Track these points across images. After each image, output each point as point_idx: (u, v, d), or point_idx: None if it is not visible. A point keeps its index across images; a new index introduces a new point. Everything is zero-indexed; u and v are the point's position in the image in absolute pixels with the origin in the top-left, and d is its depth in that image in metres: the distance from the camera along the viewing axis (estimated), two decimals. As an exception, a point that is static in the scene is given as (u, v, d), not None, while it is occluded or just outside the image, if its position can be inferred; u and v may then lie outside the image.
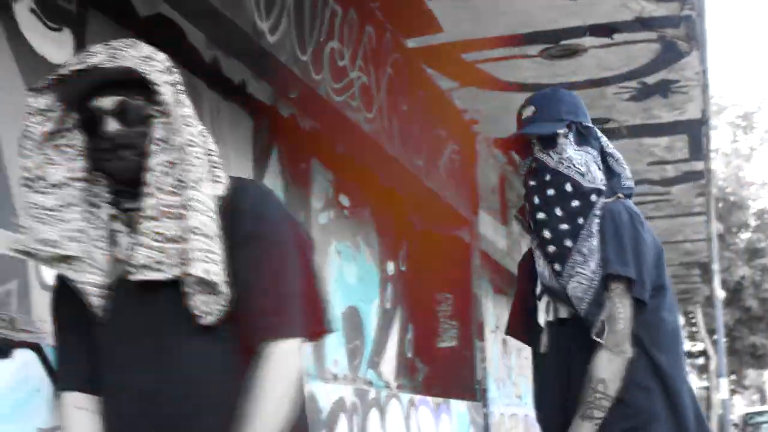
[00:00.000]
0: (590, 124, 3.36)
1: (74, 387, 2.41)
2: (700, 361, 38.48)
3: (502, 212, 9.91)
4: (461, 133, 8.53)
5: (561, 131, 3.27)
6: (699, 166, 10.24)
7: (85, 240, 2.31)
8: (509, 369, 11.65)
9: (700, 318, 33.93)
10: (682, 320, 37.39)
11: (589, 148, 3.33)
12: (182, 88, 2.37)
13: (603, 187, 3.26)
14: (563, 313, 3.27)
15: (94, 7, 4.21)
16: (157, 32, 4.63)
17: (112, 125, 2.27)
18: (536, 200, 3.28)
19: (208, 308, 2.22)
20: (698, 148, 9.59)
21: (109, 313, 2.32)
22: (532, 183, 3.30)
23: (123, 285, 2.29)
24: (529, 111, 3.30)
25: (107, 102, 2.27)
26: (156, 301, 2.27)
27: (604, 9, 6.40)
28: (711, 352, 34.08)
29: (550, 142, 3.29)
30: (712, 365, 34.54)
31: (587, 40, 6.90)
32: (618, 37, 6.83)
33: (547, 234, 3.25)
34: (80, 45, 4.08)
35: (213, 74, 5.18)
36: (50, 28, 3.92)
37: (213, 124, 5.16)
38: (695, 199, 11.61)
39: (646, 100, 8.17)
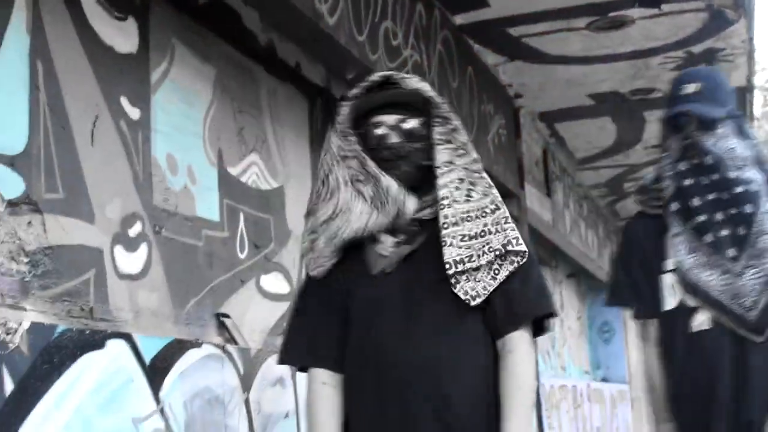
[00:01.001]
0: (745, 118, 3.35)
1: (323, 365, 2.84)
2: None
3: (546, 184, 9.89)
4: (506, 107, 8.51)
5: (724, 114, 3.23)
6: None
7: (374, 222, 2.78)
8: (553, 340, 11.66)
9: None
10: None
11: (749, 142, 3.30)
12: (455, 116, 2.86)
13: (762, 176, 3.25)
14: (702, 322, 3.28)
15: (156, -6, 4.22)
16: (215, 18, 4.65)
17: (394, 138, 2.75)
18: (703, 181, 3.26)
19: (474, 292, 2.67)
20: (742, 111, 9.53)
21: (368, 299, 2.78)
22: (695, 161, 3.27)
23: (383, 275, 2.77)
24: (692, 87, 3.25)
25: (392, 119, 2.77)
26: (416, 292, 2.72)
27: (654, -21, 6.37)
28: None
29: (710, 124, 3.25)
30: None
31: (635, 12, 6.86)
32: (666, 7, 6.79)
33: (719, 217, 3.23)
34: (144, 34, 4.10)
35: (268, 58, 5.19)
36: (116, 18, 3.93)
37: (270, 107, 5.17)
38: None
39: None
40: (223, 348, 3.90)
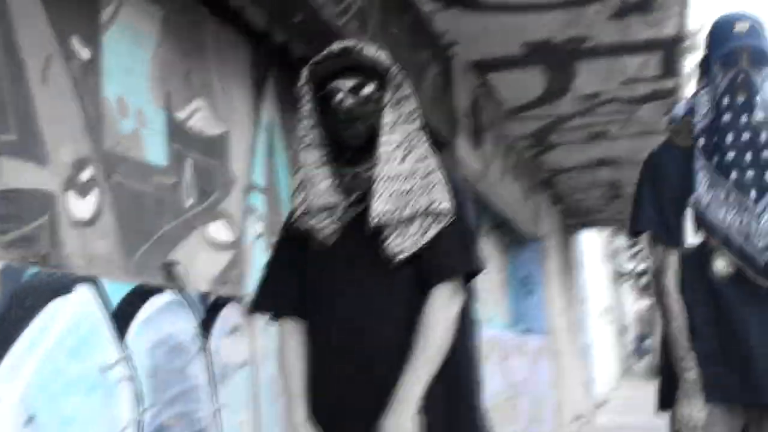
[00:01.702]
0: None
1: (292, 313, 3.08)
2: (643, 281, 38.95)
3: (476, 135, 9.86)
4: (440, 56, 8.44)
5: None
6: (669, 84, 10.24)
7: (331, 195, 3.00)
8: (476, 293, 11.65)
9: (644, 237, 34.22)
10: (625, 241, 37.85)
11: None
12: (406, 85, 3.06)
13: None
14: (722, 267, 3.32)
15: (105, -69, 4.07)
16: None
17: (350, 100, 2.97)
18: (743, 119, 3.31)
19: (399, 249, 2.89)
20: (671, 66, 9.59)
21: (320, 255, 3.02)
22: (739, 99, 3.33)
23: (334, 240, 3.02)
24: (743, 25, 3.36)
25: (348, 83, 2.98)
26: (357, 245, 2.96)
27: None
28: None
29: (761, 60, 3.34)
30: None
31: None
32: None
33: (748, 157, 3.29)
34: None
35: (215, 1, 5.05)
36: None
37: (215, 51, 5.05)
38: (663, 117, 11.62)
39: (625, 18, 8.12)
40: (183, 294, 3.80)
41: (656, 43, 8.83)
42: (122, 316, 3.21)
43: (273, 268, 3.19)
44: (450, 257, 2.94)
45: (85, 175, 3.76)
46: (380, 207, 2.89)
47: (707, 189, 3.34)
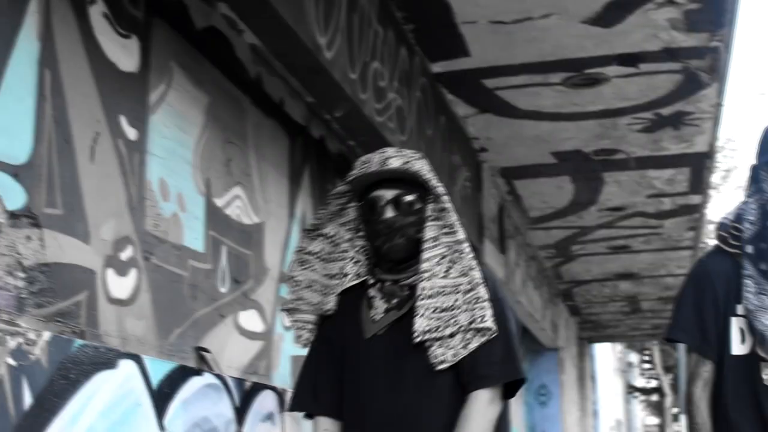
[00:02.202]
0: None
1: (327, 413, 3.11)
2: (654, 398, 38.65)
3: (501, 241, 9.85)
4: (471, 160, 8.47)
5: None
6: (696, 199, 10.24)
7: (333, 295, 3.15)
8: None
9: (656, 355, 34.07)
10: (637, 357, 37.58)
11: None
12: (447, 198, 3.10)
13: None
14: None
15: (158, 14, 4.11)
16: (209, 44, 4.56)
17: (389, 212, 3.01)
18: None
19: (443, 357, 2.92)
20: (698, 182, 9.60)
21: (360, 358, 3.05)
22: None
23: (374, 339, 3.05)
24: None
25: (388, 194, 3.02)
26: (397, 349, 2.99)
27: (635, 38, 6.37)
28: (666, 389, 34.26)
29: None
30: (667, 402, 34.72)
31: (611, 70, 6.87)
32: (643, 66, 6.80)
33: None
34: (145, 54, 3.99)
35: (256, 91, 5.10)
36: (120, 35, 3.82)
37: (256, 140, 5.07)
38: (685, 233, 11.61)
39: (657, 132, 8.15)
40: (221, 378, 3.76)
41: (686, 158, 8.85)
42: (162, 395, 3.19)
43: (310, 364, 3.24)
44: (491, 366, 2.97)
45: (126, 254, 3.74)
46: (423, 324, 2.91)
47: (755, 296, 3.29)
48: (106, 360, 2.86)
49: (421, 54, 6.57)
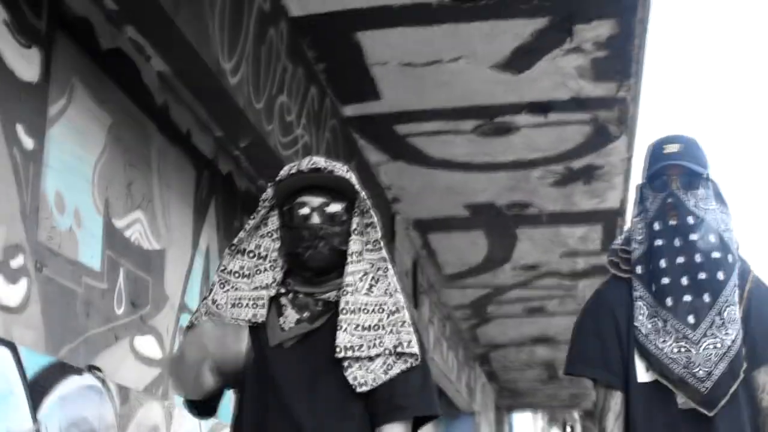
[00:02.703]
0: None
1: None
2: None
3: (414, 296, 9.87)
4: (384, 210, 8.51)
5: (705, 175, 3.27)
6: (609, 259, 10.33)
7: (245, 305, 2.97)
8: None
9: (579, 429, 34.13)
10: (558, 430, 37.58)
11: (724, 207, 3.32)
12: (373, 213, 3.02)
13: (736, 252, 3.26)
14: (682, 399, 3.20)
15: (62, 29, 4.11)
16: (115, 66, 4.56)
17: (316, 219, 2.92)
18: (676, 243, 3.24)
19: (363, 380, 2.82)
20: (611, 241, 9.70)
21: (265, 368, 2.89)
22: (671, 222, 3.26)
23: (281, 349, 2.91)
24: (674, 147, 3.31)
25: (316, 201, 2.92)
26: (313, 369, 2.87)
27: (544, 86, 6.50)
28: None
29: (692, 182, 3.28)
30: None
31: (521, 118, 6.98)
32: (552, 116, 6.93)
33: (684, 281, 3.19)
34: (46, 66, 3.98)
35: (162, 118, 5.10)
36: (20, 44, 3.81)
37: (159, 167, 5.06)
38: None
39: (568, 186, 8.27)
40: (103, 381, 3.71)
41: (598, 214, 8.97)
42: (38, 388, 3.12)
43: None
44: (408, 398, 2.88)
45: (16, 262, 3.70)
46: (346, 340, 2.82)
47: (648, 319, 3.26)
48: None
49: (332, 95, 6.62)
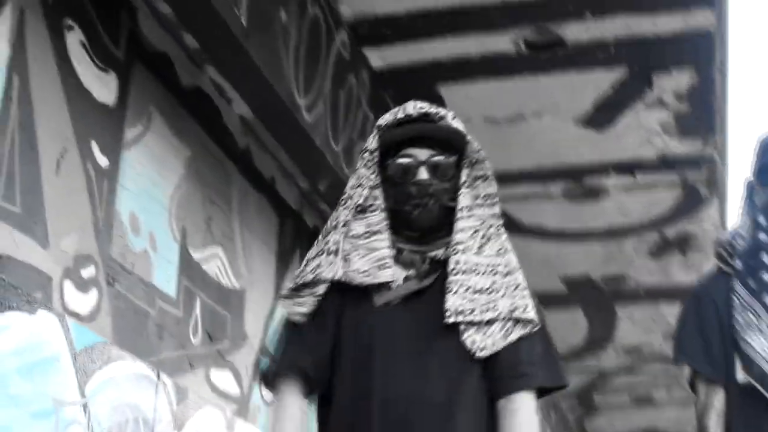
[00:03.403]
0: None
1: (308, 383, 2.62)
2: None
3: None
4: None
5: None
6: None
7: (390, 266, 2.60)
8: None
9: None
10: None
11: None
12: (488, 165, 2.68)
13: None
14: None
15: (140, 60, 4.31)
16: (196, 106, 4.74)
17: (424, 174, 2.59)
18: None
19: (483, 344, 2.54)
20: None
21: (371, 330, 2.58)
22: None
23: (387, 308, 2.60)
24: None
25: (423, 153, 2.60)
26: (425, 332, 2.57)
27: (629, 143, 6.51)
28: None
29: None
30: None
31: (610, 180, 6.98)
32: (640, 178, 6.91)
33: None
34: (123, 92, 4.17)
35: (244, 161, 5.26)
36: (98, 67, 4.01)
37: (240, 209, 5.20)
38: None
39: (664, 257, 8.19)
40: (158, 375, 3.78)
41: (696, 290, 8.82)
42: (87, 363, 3.17)
43: (288, 337, 2.69)
44: (533, 367, 2.60)
45: (87, 272, 3.83)
46: (457, 303, 2.55)
47: (741, 313, 3.18)
48: (21, 302, 2.89)
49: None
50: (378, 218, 2.63)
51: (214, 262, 4.91)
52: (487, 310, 2.55)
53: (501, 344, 2.54)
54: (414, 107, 2.68)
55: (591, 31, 5.49)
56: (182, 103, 4.65)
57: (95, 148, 3.96)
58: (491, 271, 2.59)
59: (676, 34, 5.44)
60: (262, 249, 5.45)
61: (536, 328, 2.59)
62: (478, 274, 2.57)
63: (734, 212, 6.57)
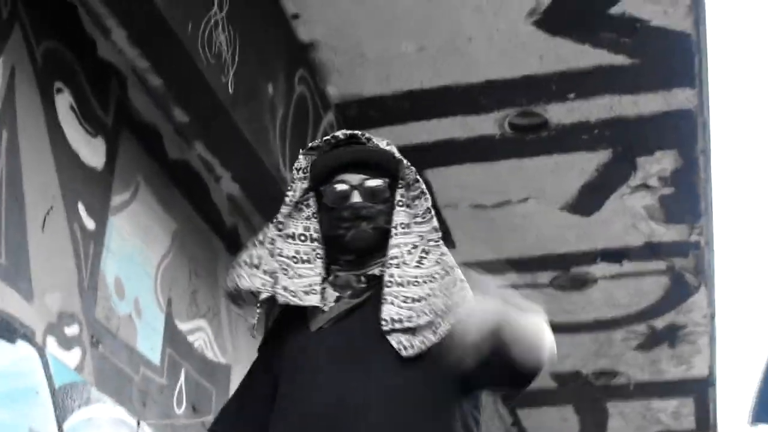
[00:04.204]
0: None
1: None
2: None
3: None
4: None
5: None
6: (707, 440, 10.09)
7: (318, 292, 2.61)
8: None
9: None
10: None
11: None
12: (420, 185, 2.69)
13: None
14: None
15: (128, 128, 4.38)
16: (183, 180, 4.80)
17: (357, 197, 2.64)
18: None
19: (408, 343, 2.50)
20: (705, 417, 9.49)
21: (304, 353, 2.57)
22: None
23: (322, 331, 2.59)
24: None
25: (356, 178, 2.64)
26: (357, 343, 2.56)
27: (615, 229, 6.57)
28: None
29: None
30: None
31: (597, 269, 7.02)
32: (628, 266, 6.96)
33: None
34: (111, 158, 4.24)
35: (231, 240, 5.31)
36: (86, 131, 4.08)
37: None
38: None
39: (654, 350, 8.19)
40: (138, 422, 3.77)
41: (687, 385, 8.82)
42: (65, 400, 3.18)
43: (239, 387, 2.79)
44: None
45: (71, 330, 3.84)
46: (392, 311, 2.54)
47: None
48: (8, 330, 2.91)
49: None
50: (307, 248, 2.67)
51: (200, 335, 4.92)
52: (424, 314, 2.52)
53: (431, 340, 2.50)
54: (342, 133, 2.73)
55: (574, 113, 5.58)
56: (170, 175, 4.72)
57: (82, 209, 4.01)
58: (429, 279, 2.57)
59: (658, 114, 5.53)
60: (247, 327, 5.45)
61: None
62: (416, 285, 2.56)
63: (721, 300, 6.60)
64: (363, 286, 2.66)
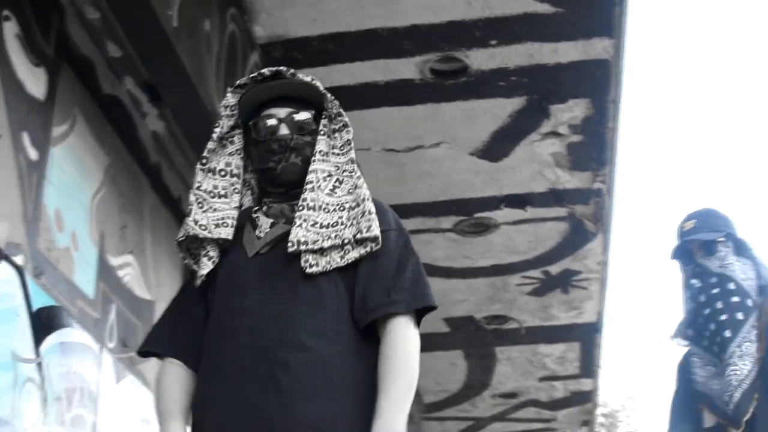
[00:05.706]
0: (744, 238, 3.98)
1: (179, 357, 2.71)
2: None
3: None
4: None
5: (720, 239, 3.85)
6: (587, 385, 10.41)
7: (230, 225, 2.73)
8: None
9: None
10: None
11: (746, 259, 3.93)
12: (343, 117, 2.81)
13: (757, 297, 3.82)
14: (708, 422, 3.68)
15: (67, 61, 4.34)
16: (114, 115, 4.78)
17: (284, 130, 2.75)
18: (701, 298, 3.87)
19: (314, 262, 2.62)
20: (589, 362, 9.80)
21: (237, 277, 2.67)
22: (696, 285, 3.91)
23: (258, 256, 2.70)
24: (690, 224, 3.99)
25: (282, 111, 2.76)
26: (276, 266, 2.67)
27: (522, 176, 6.72)
28: None
29: (711, 248, 3.91)
30: None
31: (500, 214, 7.17)
32: (531, 212, 7.13)
33: (712, 326, 3.74)
34: (52, 89, 4.20)
35: (155, 177, 5.30)
36: (30, 61, 4.04)
37: (152, 221, 5.23)
38: (579, 429, 11.71)
39: (546, 295, 8.41)
40: (101, 348, 3.79)
41: (576, 330, 9.08)
42: (42, 322, 3.18)
43: (170, 307, 2.87)
44: (409, 288, 2.69)
45: (18, 260, 3.81)
46: (300, 234, 2.63)
47: (701, 368, 3.75)
48: None
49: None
50: (225, 183, 2.77)
51: (128, 271, 4.92)
52: (329, 239, 2.64)
53: (337, 262, 2.63)
54: (268, 70, 2.80)
55: (495, 59, 5.69)
56: (103, 110, 4.69)
57: (26, 139, 3.98)
58: (339, 208, 2.69)
59: (575, 63, 5.68)
60: (170, 265, 5.47)
61: (377, 247, 2.65)
62: (326, 211, 2.67)
63: (617, 247, 6.85)
64: (292, 215, 2.73)
